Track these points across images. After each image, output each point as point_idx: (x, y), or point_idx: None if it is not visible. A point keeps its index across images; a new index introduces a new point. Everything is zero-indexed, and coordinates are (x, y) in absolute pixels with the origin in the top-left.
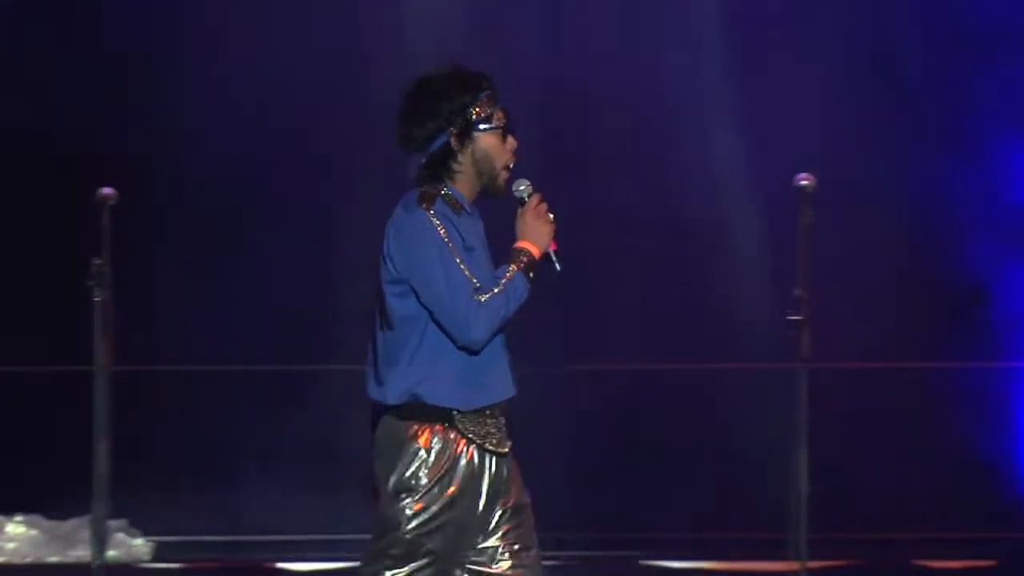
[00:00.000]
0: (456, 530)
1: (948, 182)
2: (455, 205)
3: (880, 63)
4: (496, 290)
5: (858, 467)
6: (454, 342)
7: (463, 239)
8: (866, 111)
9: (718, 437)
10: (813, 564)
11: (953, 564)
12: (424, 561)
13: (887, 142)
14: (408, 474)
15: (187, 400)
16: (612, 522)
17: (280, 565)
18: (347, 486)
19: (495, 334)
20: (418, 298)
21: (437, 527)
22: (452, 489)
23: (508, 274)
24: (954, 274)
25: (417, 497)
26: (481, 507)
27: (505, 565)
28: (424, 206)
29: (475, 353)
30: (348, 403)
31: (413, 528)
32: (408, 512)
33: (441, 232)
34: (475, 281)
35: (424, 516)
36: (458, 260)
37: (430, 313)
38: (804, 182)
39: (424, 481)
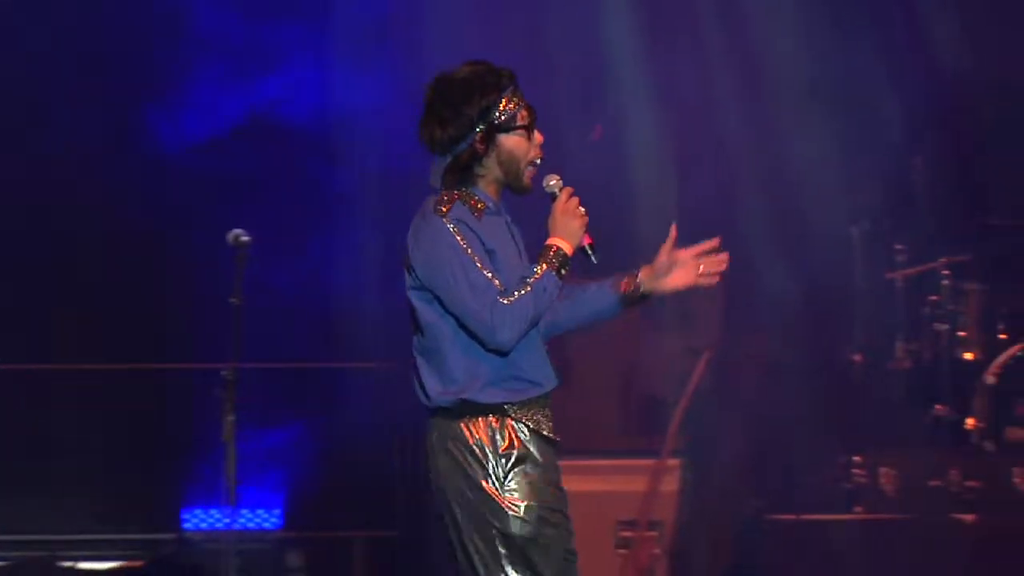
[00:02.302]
0: (551, 513)
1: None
2: (477, 207)
3: None
4: (522, 291)
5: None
6: (483, 345)
7: (483, 242)
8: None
9: None
10: None
11: (100, 566)
12: (542, 553)
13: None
14: (485, 476)
15: None
16: None
17: None
18: None
19: (524, 334)
20: (443, 304)
21: (534, 515)
22: (532, 476)
23: (536, 273)
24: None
25: (504, 493)
26: (556, 490)
27: None
28: (440, 213)
29: (506, 353)
30: None
31: (516, 525)
32: (500, 511)
33: (459, 239)
34: (497, 283)
35: (517, 508)
36: (478, 264)
37: (457, 318)
38: None
39: (503, 476)
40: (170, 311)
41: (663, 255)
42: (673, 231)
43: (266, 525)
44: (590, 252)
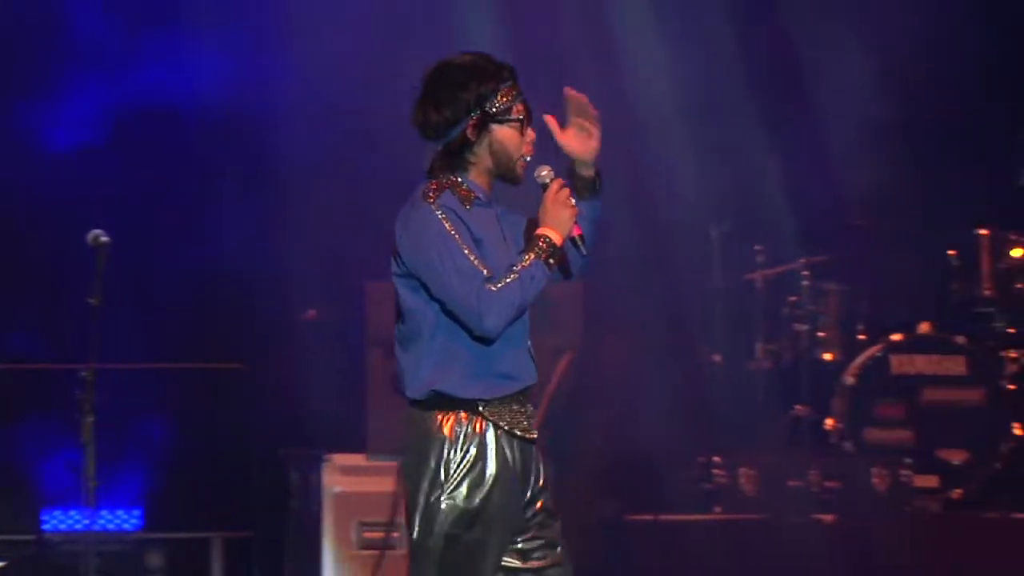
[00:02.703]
0: (500, 520)
1: None
2: (466, 196)
3: None
4: (509, 278)
5: None
6: (469, 333)
7: (471, 231)
8: None
9: None
10: None
11: None
12: (474, 554)
13: None
14: (439, 467)
15: None
16: None
17: None
18: None
19: (512, 322)
20: (429, 292)
21: (478, 518)
22: (487, 478)
23: (524, 261)
24: None
25: (451, 490)
26: (516, 496)
27: (538, 563)
28: (428, 200)
29: (491, 342)
30: None
31: (454, 522)
32: (445, 507)
33: (446, 225)
34: (485, 271)
35: (462, 508)
36: (466, 251)
37: (442, 305)
38: None
39: (455, 472)
40: (32, 311)
41: (563, 141)
42: (549, 121)
43: (126, 526)
44: (580, 243)
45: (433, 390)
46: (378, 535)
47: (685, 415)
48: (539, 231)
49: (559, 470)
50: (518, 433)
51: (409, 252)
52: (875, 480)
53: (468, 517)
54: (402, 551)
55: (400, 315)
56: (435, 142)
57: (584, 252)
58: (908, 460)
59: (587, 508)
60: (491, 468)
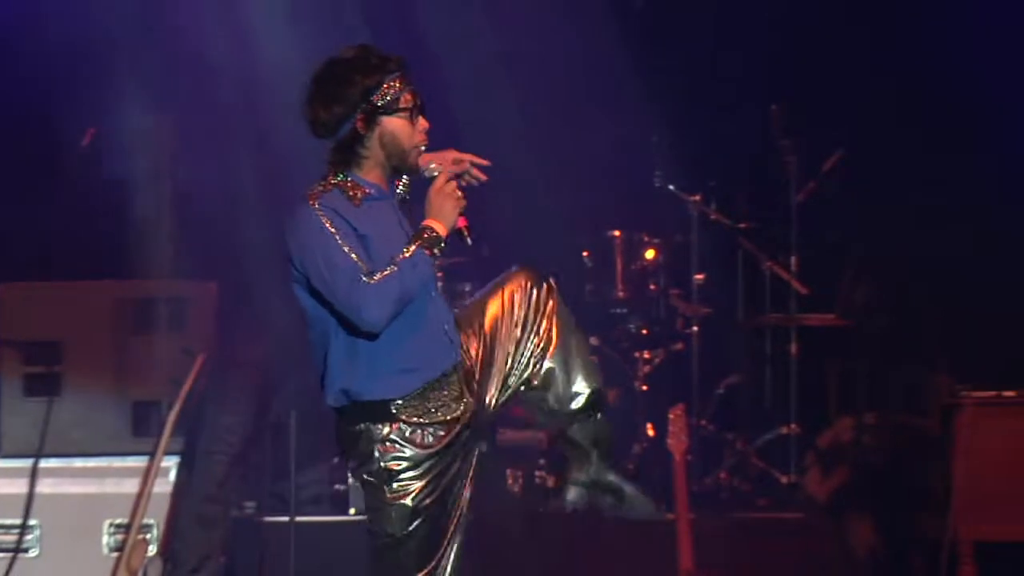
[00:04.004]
0: (439, 511)
1: None
2: (354, 193)
3: None
4: (388, 270)
5: None
6: (355, 329)
7: (354, 228)
8: None
9: None
10: None
11: None
12: (415, 551)
13: None
14: (379, 477)
15: None
16: None
17: None
18: None
19: (395, 313)
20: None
21: (423, 514)
22: (421, 474)
23: (405, 252)
24: None
25: (396, 496)
26: (450, 483)
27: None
28: (308, 201)
29: (375, 336)
30: None
31: (398, 526)
32: (395, 513)
33: (325, 223)
34: (362, 264)
35: (410, 508)
36: (345, 248)
37: (331, 306)
38: None
39: (393, 478)
40: None
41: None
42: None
43: None
44: (465, 234)
45: (343, 391)
46: (11, 537)
47: (320, 417)
48: (424, 222)
49: (192, 471)
50: (438, 421)
51: (295, 254)
52: (509, 481)
53: (417, 515)
54: (35, 553)
55: (306, 322)
56: (328, 139)
57: (469, 243)
58: (542, 461)
59: (221, 509)
60: (412, 467)
